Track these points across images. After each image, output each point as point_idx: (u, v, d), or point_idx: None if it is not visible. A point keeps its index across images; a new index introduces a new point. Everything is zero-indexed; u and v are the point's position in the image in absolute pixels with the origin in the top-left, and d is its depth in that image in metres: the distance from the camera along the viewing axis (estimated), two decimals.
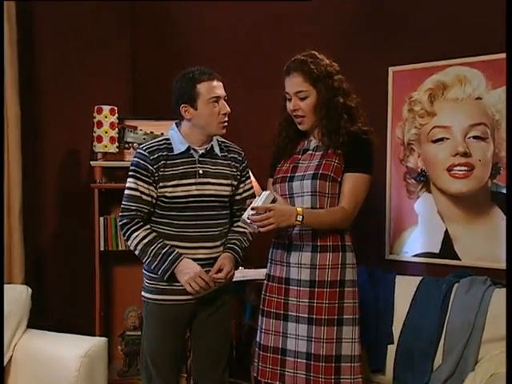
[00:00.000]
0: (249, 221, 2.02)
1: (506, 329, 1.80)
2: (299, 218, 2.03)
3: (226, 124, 2.31)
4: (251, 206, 2.03)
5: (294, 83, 2.18)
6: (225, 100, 2.30)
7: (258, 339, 2.29)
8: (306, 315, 2.14)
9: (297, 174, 2.21)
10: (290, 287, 2.19)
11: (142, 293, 2.37)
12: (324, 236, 2.16)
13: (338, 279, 2.14)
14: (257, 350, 2.29)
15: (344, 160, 2.15)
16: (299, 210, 2.05)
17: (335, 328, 2.12)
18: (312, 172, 2.16)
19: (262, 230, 2.01)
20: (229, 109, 2.30)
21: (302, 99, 2.18)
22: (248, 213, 2.03)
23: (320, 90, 2.16)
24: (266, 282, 2.31)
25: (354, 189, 2.14)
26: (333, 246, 2.16)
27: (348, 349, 2.13)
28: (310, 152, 2.24)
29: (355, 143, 2.14)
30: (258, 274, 2.92)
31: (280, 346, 2.21)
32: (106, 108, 3.27)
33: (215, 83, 2.27)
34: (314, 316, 2.12)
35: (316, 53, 2.21)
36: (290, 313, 2.19)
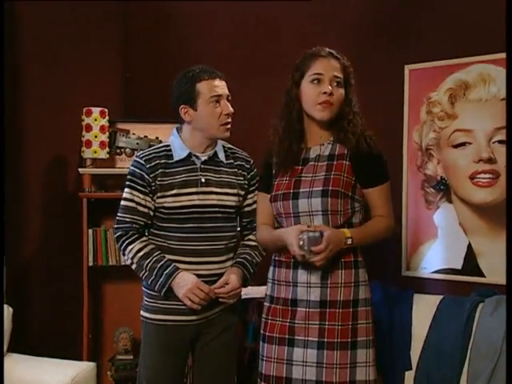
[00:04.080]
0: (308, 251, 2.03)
1: (507, 334, 1.80)
2: (349, 241, 2.10)
3: (229, 126, 2.30)
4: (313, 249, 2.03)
5: (333, 67, 2.15)
6: (228, 100, 2.29)
7: (259, 369, 2.24)
8: (316, 339, 2.11)
9: (302, 191, 2.16)
10: (298, 309, 2.16)
11: (141, 312, 2.36)
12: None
13: (351, 299, 2.13)
14: (258, 380, 2.23)
15: (358, 176, 2.14)
16: (346, 232, 2.10)
17: (349, 352, 2.10)
18: (320, 188, 2.13)
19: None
20: (232, 109, 2.29)
21: (338, 87, 2.15)
22: (305, 241, 2.02)
23: (347, 86, 2.18)
24: (267, 304, 2.27)
25: (385, 198, 2.21)
26: (345, 262, 2.14)
27: (362, 374, 2.11)
28: (311, 163, 2.20)
29: (366, 157, 2.14)
30: (262, 291, 2.89)
31: (284, 375, 2.15)
32: (96, 110, 3.27)
33: (217, 82, 2.26)
34: (326, 339, 2.10)
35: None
36: (296, 337, 2.15)
